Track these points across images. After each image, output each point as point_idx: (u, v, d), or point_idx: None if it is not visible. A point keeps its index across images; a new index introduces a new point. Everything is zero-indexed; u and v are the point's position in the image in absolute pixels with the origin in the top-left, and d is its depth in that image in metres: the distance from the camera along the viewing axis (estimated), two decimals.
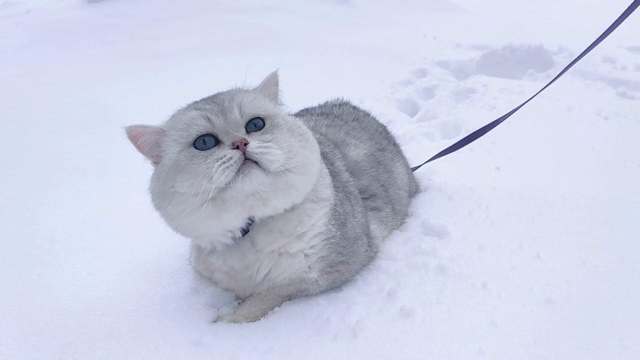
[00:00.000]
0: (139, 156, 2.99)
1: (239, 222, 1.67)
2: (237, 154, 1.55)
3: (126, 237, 2.21)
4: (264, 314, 1.78)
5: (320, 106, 2.55)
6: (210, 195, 1.55)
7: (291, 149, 1.64)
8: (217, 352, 1.59)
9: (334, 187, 1.89)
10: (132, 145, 1.72)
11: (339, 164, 2.10)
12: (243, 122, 1.65)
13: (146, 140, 1.69)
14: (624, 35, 5.44)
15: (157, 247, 2.10)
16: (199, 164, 1.57)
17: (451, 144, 2.79)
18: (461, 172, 2.74)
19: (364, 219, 2.01)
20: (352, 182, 2.03)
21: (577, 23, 6.25)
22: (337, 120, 2.36)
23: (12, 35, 6.50)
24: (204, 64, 4.99)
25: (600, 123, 3.49)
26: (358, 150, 2.23)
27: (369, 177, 2.17)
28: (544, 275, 1.95)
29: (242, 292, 1.84)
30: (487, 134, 3.31)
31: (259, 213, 1.66)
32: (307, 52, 5.32)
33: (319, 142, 1.85)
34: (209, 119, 1.62)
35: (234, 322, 1.73)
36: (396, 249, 2.08)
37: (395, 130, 2.83)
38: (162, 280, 1.92)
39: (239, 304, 1.84)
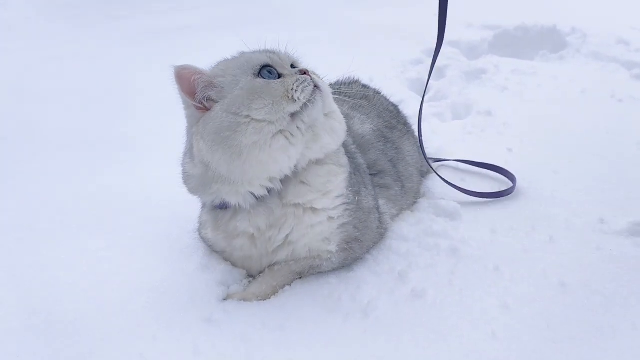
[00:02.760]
0: (149, 130, 2.96)
1: (293, 163, 1.68)
2: (308, 78, 1.67)
3: (136, 212, 2.19)
4: (274, 292, 1.77)
5: (329, 85, 2.50)
6: (282, 127, 1.60)
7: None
8: (229, 329, 1.59)
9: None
10: (177, 87, 1.63)
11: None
12: (289, 62, 1.74)
13: (200, 79, 1.63)
14: (638, 18, 5.34)
15: (167, 223, 2.09)
16: (277, 88, 1.63)
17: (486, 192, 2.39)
18: (473, 153, 2.70)
19: (374, 192, 2.00)
20: (360, 155, 2.01)
21: (591, 4, 6.11)
22: (343, 97, 2.33)
23: (20, 8, 6.43)
24: (211, 40, 4.92)
25: (614, 105, 3.43)
26: (364, 125, 2.20)
27: (377, 151, 2.15)
28: (558, 258, 1.93)
29: (257, 264, 1.82)
30: (500, 114, 3.27)
31: (310, 153, 1.71)
32: (316, 29, 5.22)
33: None
34: (266, 55, 1.70)
35: (244, 300, 1.72)
36: (407, 229, 2.06)
37: (406, 110, 2.79)
38: (172, 256, 1.91)
39: (249, 282, 1.83)
